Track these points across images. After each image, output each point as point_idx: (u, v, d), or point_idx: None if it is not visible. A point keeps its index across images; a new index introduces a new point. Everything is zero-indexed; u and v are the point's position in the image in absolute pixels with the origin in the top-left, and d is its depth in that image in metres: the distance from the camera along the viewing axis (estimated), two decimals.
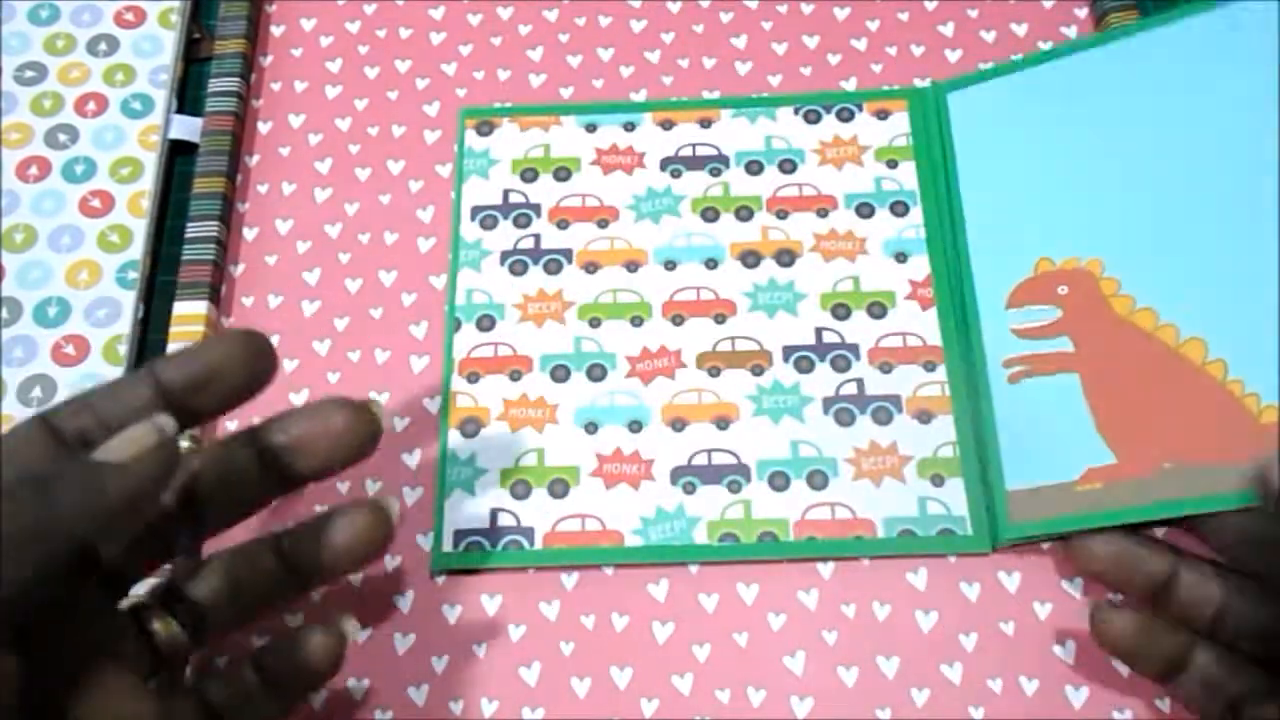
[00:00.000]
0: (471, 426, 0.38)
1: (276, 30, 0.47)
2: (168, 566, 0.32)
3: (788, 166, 0.41)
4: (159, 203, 0.43)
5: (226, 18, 0.45)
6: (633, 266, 0.40)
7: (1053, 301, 0.37)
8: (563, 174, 0.42)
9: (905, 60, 0.44)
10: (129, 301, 0.41)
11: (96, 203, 0.42)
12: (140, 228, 0.42)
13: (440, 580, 0.36)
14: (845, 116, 0.42)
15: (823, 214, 0.41)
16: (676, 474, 0.37)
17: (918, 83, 0.43)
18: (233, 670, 0.30)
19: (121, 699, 0.26)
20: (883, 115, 0.42)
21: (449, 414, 0.38)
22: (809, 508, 0.36)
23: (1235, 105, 0.37)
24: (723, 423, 0.38)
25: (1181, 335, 0.35)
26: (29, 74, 0.44)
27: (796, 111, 0.42)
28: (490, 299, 0.40)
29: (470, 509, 0.37)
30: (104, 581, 0.29)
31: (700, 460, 0.37)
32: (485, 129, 0.43)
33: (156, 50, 0.45)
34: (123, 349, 0.40)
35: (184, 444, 0.35)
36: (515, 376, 0.39)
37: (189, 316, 0.40)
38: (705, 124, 0.42)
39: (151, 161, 0.43)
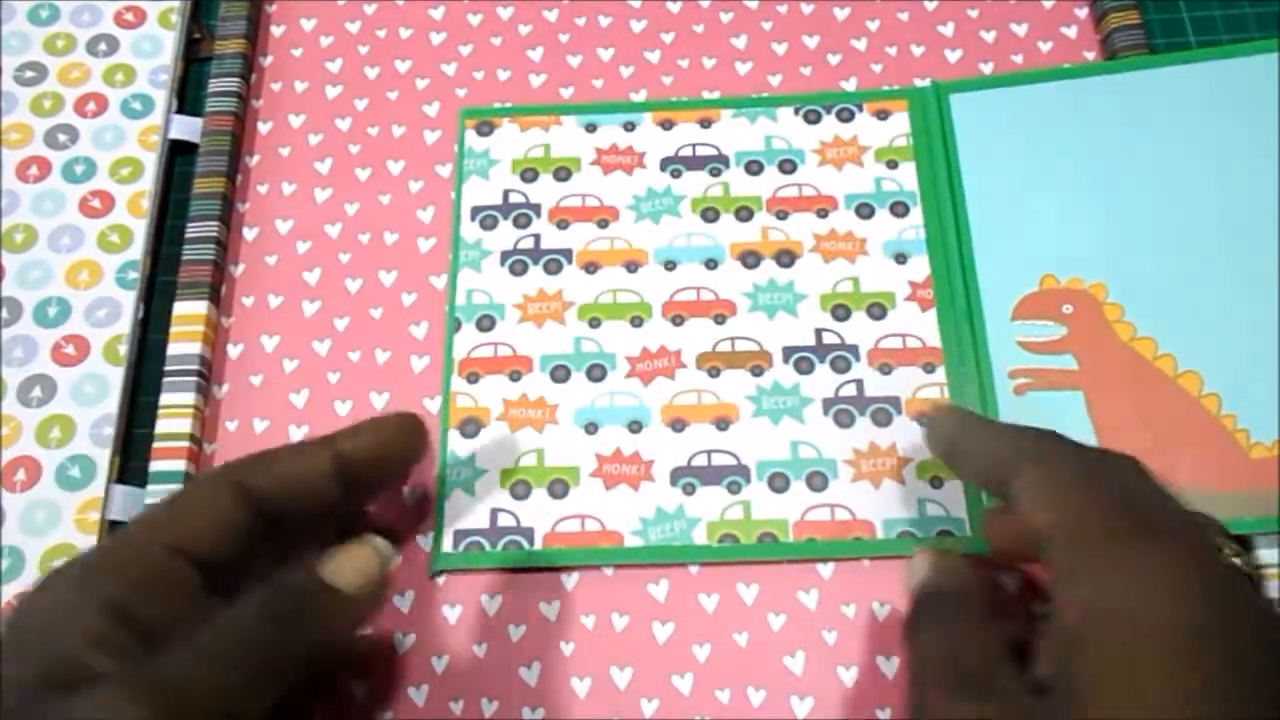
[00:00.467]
0: (471, 427, 0.38)
1: (276, 30, 0.47)
2: None
3: (788, 167, 0.41)
4: (159, 203, 0.43)
5: (226, 18, 0.45)
6: (633, 267, 0.40)
7: (1058, 318, 0.38)
8: (563, 174, 0.42)
9: (905, 60, 0.44)
10: (129, 301, 0.41)
11: (96, 203, 0.42)
12: (140, 228, 0.42)
13: (440, 580, 0.36)
14: (845, 117, 0.42)
15: (823, 214, 0.40)
16: (676, 475, 0.37)
17: (918, 82, 0.43)
18: None
19: None
20: (883, 115, 0.42)
21: (449, 414, 0.38)
22: (808, 509, 0.36)
23: (1240, 151, 0.39)
24: (723, 424, 0.38)
25: (1179, 366, 0.36)
26: (29, 74, 0.44)
27: (796, 112, 0.42)
28: (490, 299, 0.40)
29: (470, 509, 0.37)
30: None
31: (700, 461, 0.37)
32: (485, 129, 0.43)
33: (156, 50, 0.45)
34: (123, 349, 0.40)
35: None
36: (515, 377, 0.39)
37: (189, 316, 0.40)
38: (705, 124, 0.42)
39: (151, 161, 0.43)
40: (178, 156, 0.45)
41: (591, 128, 0.43)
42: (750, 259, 0.40)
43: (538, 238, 0.41)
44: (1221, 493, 0.35)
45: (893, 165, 0.41)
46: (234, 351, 0.41)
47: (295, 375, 0.40)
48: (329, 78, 0.45)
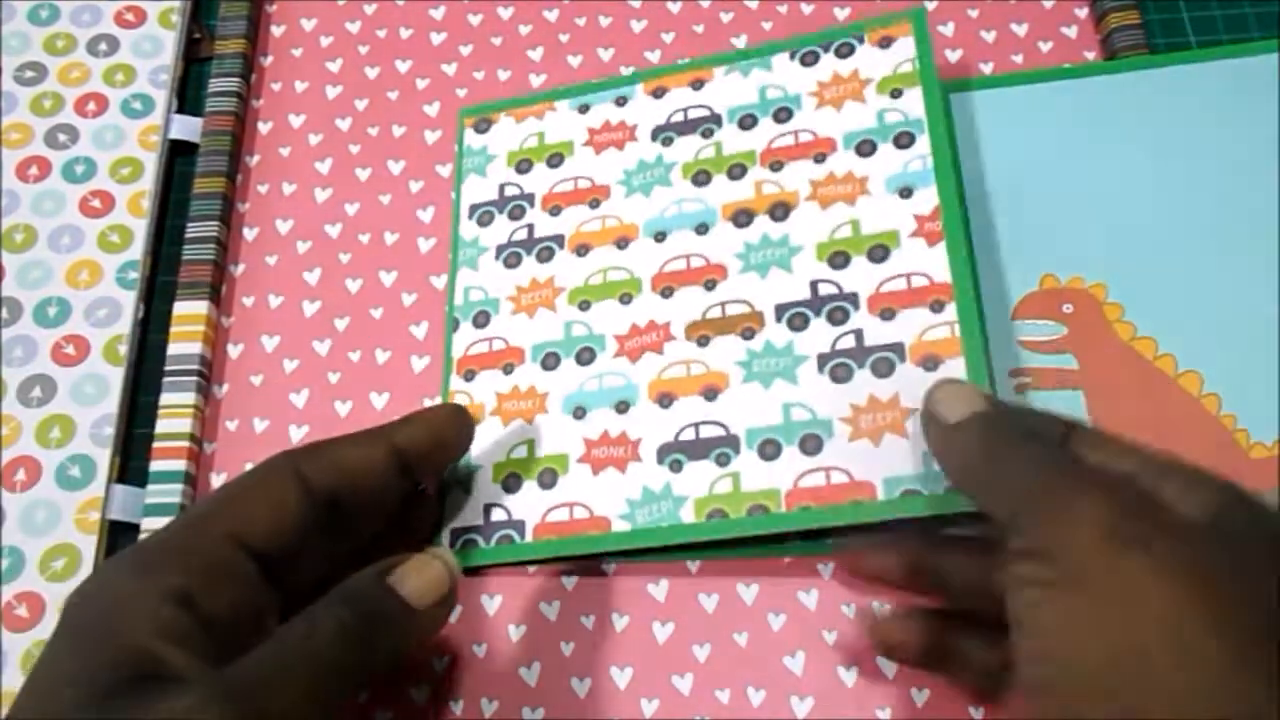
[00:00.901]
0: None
1: (276, 30, 0.47)
2: None
3: (783, 115, 0.40)
4: (159, 203, 0.43)
5: (226, 18, 0.45)
6: (622, 243, 0.39)
7: (1058, 318, 0.38)
8: (555, 160, 0.42)
9: None
10: (129, 301, 0.41)
11: (96, 203, 0.42)
12: (140, 228, 0.42)
13: None
14: (845, 52, 0.40)
15: (820, 159, 0.38)
16: (663, 452, 0.36)
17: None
18: None
19: None
20: (885, 43, 0.39)
21: None
22: (802, 475, 0.34)
23: (1240, 151, 0.39)
24: (711, 393, 0.36)
25: (1180, 366, 0.36)
26: (29, 74, 0.44)
27: (793, 56, 0.40)
28: (485, 294, 0.40)
29: (465, 507, 0.37)
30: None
31: (688, 435, 0.36)
32: (483, 126, 0.43)
33: (156, 50, 0.45)
34: (123, 349, 0.40)
35: None
36: (508, 369, 0.39)
37: (189, 316, 0.40)
38: (697, 85, 0.41)
39: (151, 161, 0.43)
40: (178, 156, 0.45)
41: (584, 108, 0.42)
42: (742, 218, 0.38)
43: (531, 227, 0.41)
44: None
45: (897, 94, 0.39)
46: (234, 351, 0.41)
47: (295, 375, 0.40)
48: (329, 78, 0.45)
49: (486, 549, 0.36)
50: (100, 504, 0.37)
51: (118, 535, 0.38)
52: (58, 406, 0.39)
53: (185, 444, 0.38)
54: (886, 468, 0.33)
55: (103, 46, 0.45)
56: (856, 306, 0.36)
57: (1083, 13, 0.44)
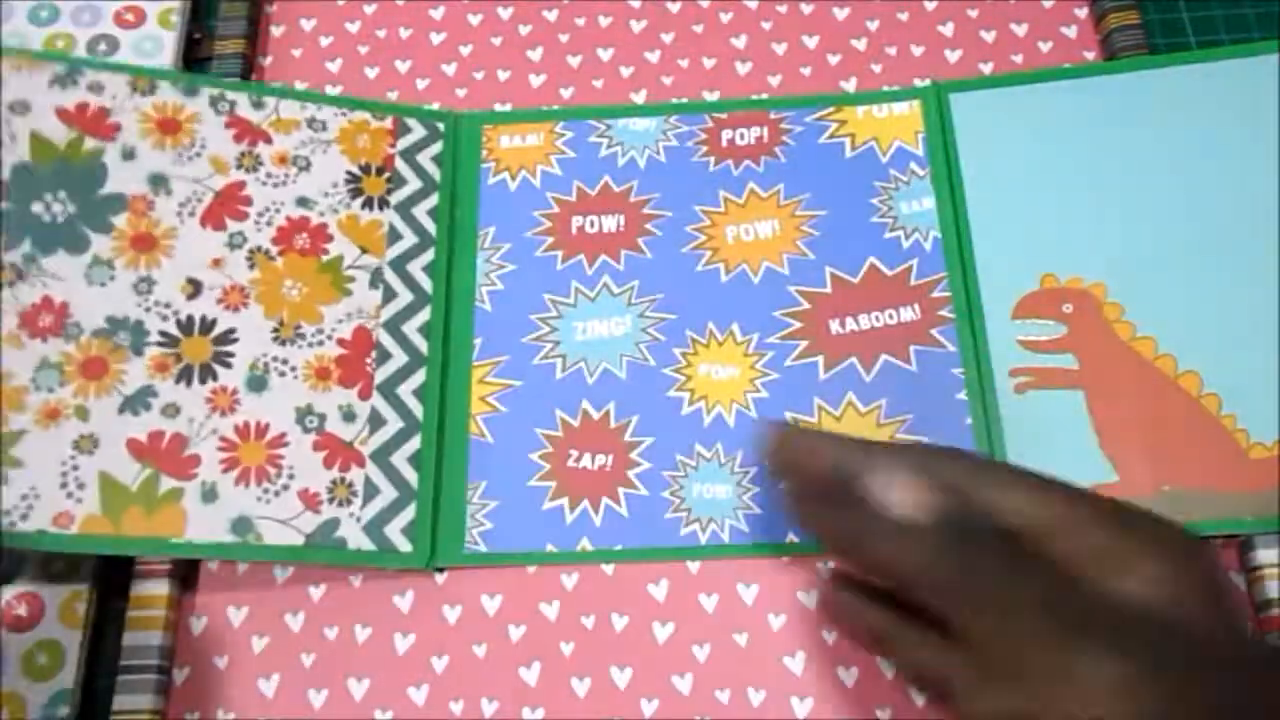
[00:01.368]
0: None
1: (276, 30, 0.47)
2: None
3: None
4: None
5: (226, 18, 0.45)
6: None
7: (1058, 317, 0.38)
8: None
9: (905, 60, 0.44)
10: None
11: None
12: None
13: (440, 580, 0.36)
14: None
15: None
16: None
17: (917, 83, 0.43)
18: None
19: None
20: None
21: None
22: None
23: (1240, 151, 0.39)
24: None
25: (1180, 366, 0.36)
26: None
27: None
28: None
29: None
30: None
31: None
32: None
33: (156, 50, 0.45)
34: None
35: None
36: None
37: None
38: None
39: None
40: None
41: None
42: None
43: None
44: (1221, 493, 0.35)
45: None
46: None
47: None
48: (329, 77, 0.45)
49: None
50: None
51: None
52: None
53: None
54: None
55: (103, 47, 0.45)
56: None
57: (1083, 13, 0.44)
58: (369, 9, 0.47)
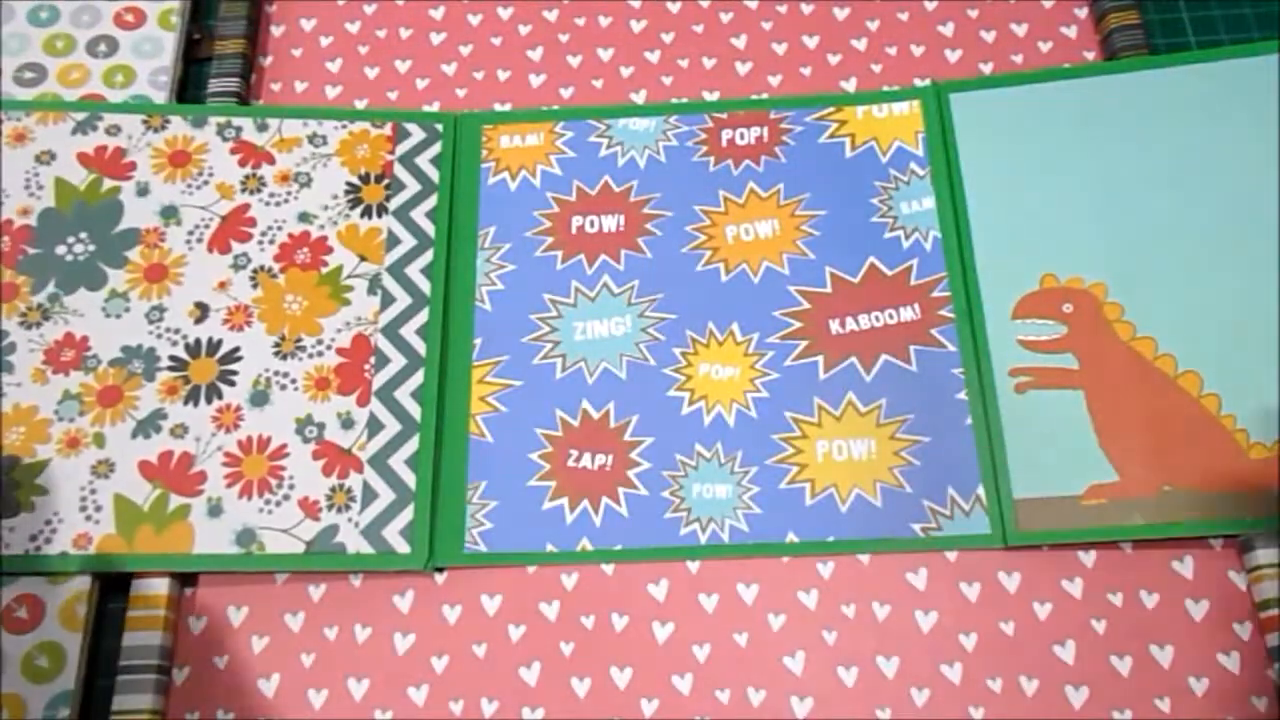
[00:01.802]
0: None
1: (276, 30, 0.47)
2: None
3: None
4: None
5: (226, 18, 0.45)
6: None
7: (1058, 317, 0.38)
8: None
9: (905, 60, 0.44)
10: None
11: None
12: None
13: (440, 580, 0.36)
14: None
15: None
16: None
17: (918, 82, 0.43)
18: None
19: None
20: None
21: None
22: None
23: (1240, 151, 0.39)
24: None
25: (1180, 366, 0.36)
26: (29, 74, 0.44)
27: None
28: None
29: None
30: None
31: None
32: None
33: (156, 50, 0.45)
34: None
35: None
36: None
37: None
38: None
39: None
40: None
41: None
42: None
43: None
44: (1221, 493, 0.35)
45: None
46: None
47: None
48: (329, 78, 0.45)
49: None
50: None
51: None
52: None
53: None
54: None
55: (102, 47, 0.45)
56: None
57: (1083, 13, 0.44)
58: (369, 9, 0.47)
